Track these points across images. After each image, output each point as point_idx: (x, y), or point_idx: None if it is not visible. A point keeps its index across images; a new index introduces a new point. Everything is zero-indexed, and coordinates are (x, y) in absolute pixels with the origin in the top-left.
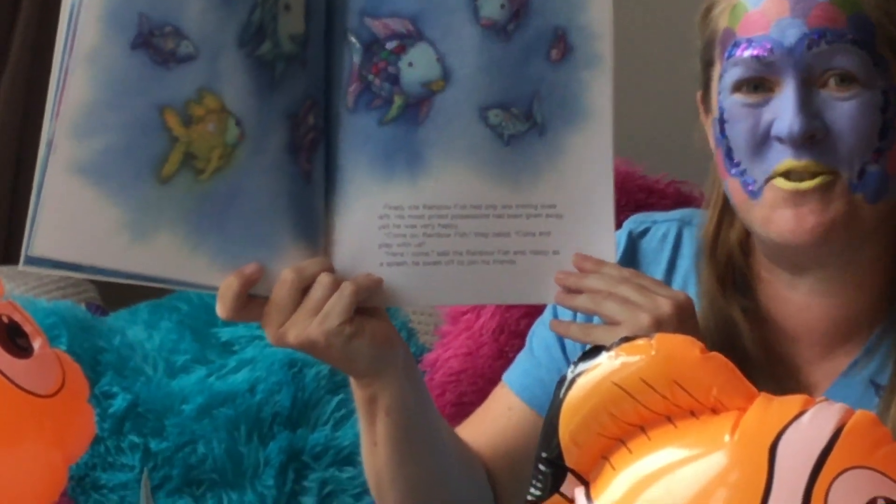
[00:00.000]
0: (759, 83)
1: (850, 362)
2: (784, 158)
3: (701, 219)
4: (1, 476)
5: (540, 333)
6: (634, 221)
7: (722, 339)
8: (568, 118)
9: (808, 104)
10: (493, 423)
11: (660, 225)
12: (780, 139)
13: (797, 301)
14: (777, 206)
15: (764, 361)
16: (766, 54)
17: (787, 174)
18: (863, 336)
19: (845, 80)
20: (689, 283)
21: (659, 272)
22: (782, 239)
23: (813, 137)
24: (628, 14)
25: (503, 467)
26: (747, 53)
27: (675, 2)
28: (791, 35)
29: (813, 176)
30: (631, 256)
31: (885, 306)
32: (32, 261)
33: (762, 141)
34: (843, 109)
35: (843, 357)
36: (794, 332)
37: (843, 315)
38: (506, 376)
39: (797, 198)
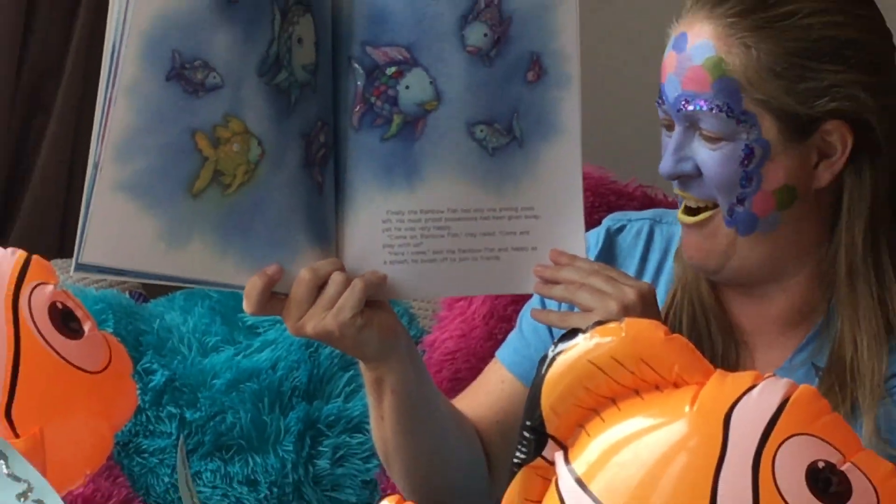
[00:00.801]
0: (668, 122)
1: (795, 349)
2: (676, 186)
3: (663, 224)
4: (55, 442)
5: (528, 316)
6: (612, 219)
7: (692, 316)
8: (543, 132)
9: (682, 148)
10: (487, 394)
11: (634, 223)
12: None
13: (735, 299)
14: (682, 233)
15: (724, 339)
16: (660, 102)
17: (682, 200)
18: (805, 328)
19: (709, 137)
20: (660, 273)
21: (633, 263)
22: (686, 260)
23: (687, 176)
24: (602, 41)
25: (495, 433)
26: (658, 98)
27: (644, 30)
28: (671, 92)
29: (696, 211)
30: (608, 250)
31: (823, 304)
32: (82, 267)
33: None
34: (709, 156)
35: (789, 346)
36: (741, 322)
37: (774, 314)
38: (499, 353)
39: (686, 229)
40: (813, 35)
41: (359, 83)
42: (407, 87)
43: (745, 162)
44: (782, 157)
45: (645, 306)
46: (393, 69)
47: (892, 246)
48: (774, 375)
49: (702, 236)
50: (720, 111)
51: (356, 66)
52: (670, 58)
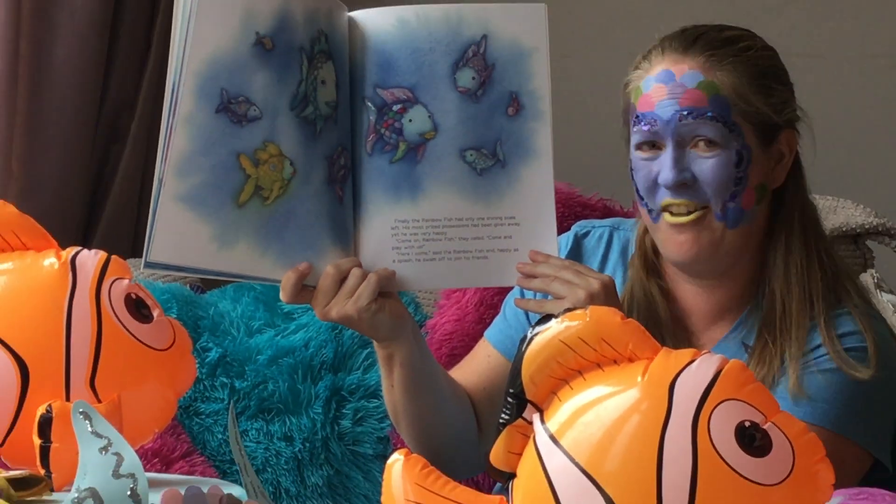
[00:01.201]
0: (652, 144)
1: (728, 330)
2: (666, 197)
3: (635, 225)
4: (130, 406)
5: (510, 303)
6: (579, 226)
7: (646, 307)
8: (522, 156)
9: (680, 161)
10: (477, 366)
11: (597, 229)
12: (662, 185)
13: (690, 290)
14: (668, 234)
15: (671, 325)
16: (652, 126)
17: (669, 208)
18: (737, 312)
19: (709, 143)
20: (617, 270)
21: (596, 261)
22: (671, 256)
23: (685, 184)
24: (570, 82)
25: (483, 399)
26: (641, 125)
27: (604, 74)
28: (668, 111)
29: (689, 212)
30: (576, 250)
31: (752, 293)
32: (150, 265)
33: (653, 185)
34: (707, 164)
35: (723, 327)
36: (688, 309)
37: (720, 300)
38: (486, 334)
39: (679, 228)
40: (766, 63)
41: (371, 117)
42: (410, 121)
43: (738, 165)
44: (760, 159)
45: (607, 294)
46: (398, 106)
47: (819, 234)
48: (710, 352)
49: (696, 232)
50: (717, 121)
51: (369, 103)
52: (658, 89)
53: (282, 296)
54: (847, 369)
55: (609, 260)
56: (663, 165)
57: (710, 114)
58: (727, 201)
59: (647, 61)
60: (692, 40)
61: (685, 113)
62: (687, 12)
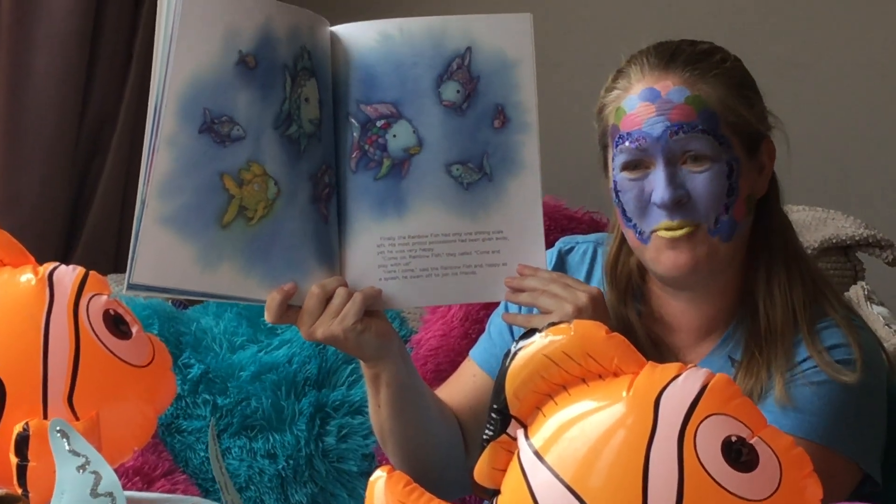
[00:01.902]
0: (638, 164)
1: (715, 345)
2: (662, 220)
3: (605, 246)
4: (109, 424)
5: (495, 322)
6: (563, 242)
7: (622, 334)
8: (509, 169)
9: (673, 178)
10: (462, 385)
11: (581, 244)
12: (657, 205)
13: (678, 307)
14: (660, 250)
15: (652, 347)
16: (641, 143)
17: (647, 236)
18: (723, 328)
19: (699, 158)
20: (602, 285)
21: (581, 278)
22: (665, 273)
23: (680, 202)
24: (558, 95)
25: (468, 417)
26: (628, 144)
27: (591, 86)
28: (658, 128)
29: (682, 227)
30: (560, 267)
31: (737, 307)
32: (133, 287)
33: (645, 205)
34: (700, 180)
35: (710, 342)
36: (676, 326)
37: (708, 314)
38: (471, 353)
39: (673, 243)
40: (742, 73)
41: (355, 134)
42: (394, 136)
43: (729, 176)
44: (747, 170)
45: (595, 308)
46: (382, 122)
47: (796, 244)
48: (696, 366)
49: (691, 245)
50: (707, 134)
51: (352, 120)
52: (644, 107)
53: (267, 316)
54: (834, 374)
55: (594, 275)
56: (656, 184)
57: (700, 127)
58: (720, 215)
59: (625, 81)
60: (669, 56)
61: (675, 129)
62: (680, 23)
